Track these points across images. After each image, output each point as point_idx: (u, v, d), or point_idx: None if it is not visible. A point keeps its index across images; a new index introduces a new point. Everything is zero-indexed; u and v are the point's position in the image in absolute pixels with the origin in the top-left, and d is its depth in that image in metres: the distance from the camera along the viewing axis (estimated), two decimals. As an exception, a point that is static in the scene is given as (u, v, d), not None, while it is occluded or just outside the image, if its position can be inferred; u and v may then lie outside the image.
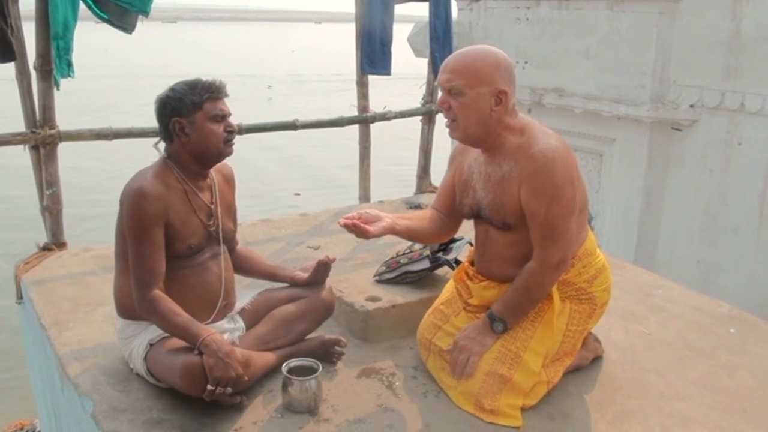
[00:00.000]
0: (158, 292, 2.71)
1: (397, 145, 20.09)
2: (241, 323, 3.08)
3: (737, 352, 3.46)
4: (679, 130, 7.10)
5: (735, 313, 3.89)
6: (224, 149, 2.90)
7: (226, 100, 2.92)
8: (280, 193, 18.60)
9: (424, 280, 3.65)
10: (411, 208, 5.44)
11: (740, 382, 3.17)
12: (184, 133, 2.83)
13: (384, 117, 5.99)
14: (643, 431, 2.76)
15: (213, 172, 3.02)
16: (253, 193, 16.79)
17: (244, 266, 3.23)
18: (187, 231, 2.84)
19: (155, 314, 2.70)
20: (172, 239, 2.80)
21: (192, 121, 2.82)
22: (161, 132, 2.91)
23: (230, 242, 3.14)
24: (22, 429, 7.69)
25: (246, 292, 3.21)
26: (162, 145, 2.96)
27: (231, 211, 3.13)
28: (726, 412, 2.93)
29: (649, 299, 4.01)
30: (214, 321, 2.94)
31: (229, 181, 3.14)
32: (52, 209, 4.44)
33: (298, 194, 18.19)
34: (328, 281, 3.25)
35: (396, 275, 3.64)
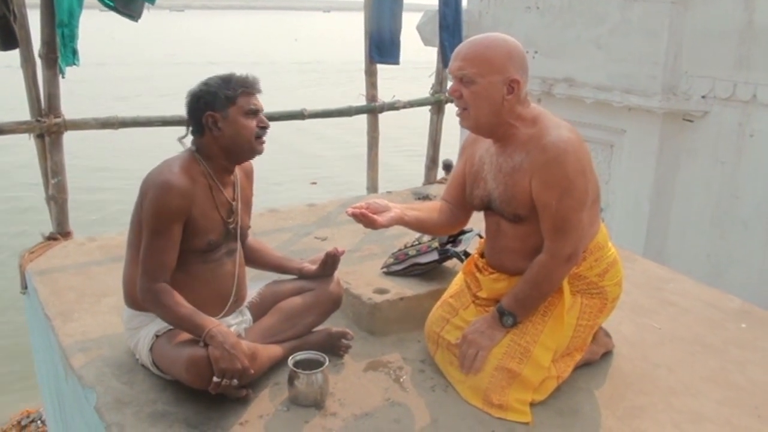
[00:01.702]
0: (163, 284, 2.69)
1: (405, 135, 20.09)
2: (247, 315, 3.06)
3: (748, 347, 3.44)
4: (691, 121, 7.05)
5: (746, 308, 3.87)
6: (256, 145, 2.87)
7: (258, 96, 2.91)
8: (294, 182, 18.65)
9: (432, 272, 3.62)
10: (419, 198, 5.41)
11: (751, 378, 3.15)
12: (217, 127, 2.81)
13: (392, 107, 5.96)
14: (654, 427, 2.73)
15: (235, 167, 3.00)
16: (268, 182, 16.85)
17: (253, 258, 3.20)
18: (208, 227, 2.82)
19: (159, 305, 2.67)
20: (191, 234, 2.77)
21: (225, 116, 2.80)
22: (192, 125, 2.89)
23: (244, 237, 3.12)
24: (27, 417, 7.72)
25: (253, 284, 3.18)
26: (187, 140, 2.93)
27: (248, 206, 3.11)
28: (737, 409, 2.90)
29: (660, 293, 3.98)
30: (224, 317, 2.91)
31: (249, 176, 3.12)
32: (57, 198, 4.42)
33: (315, 183, 18.17)
34: (336, 273, 3.23)
35: (404, 267, 3.61)
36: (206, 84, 2.85)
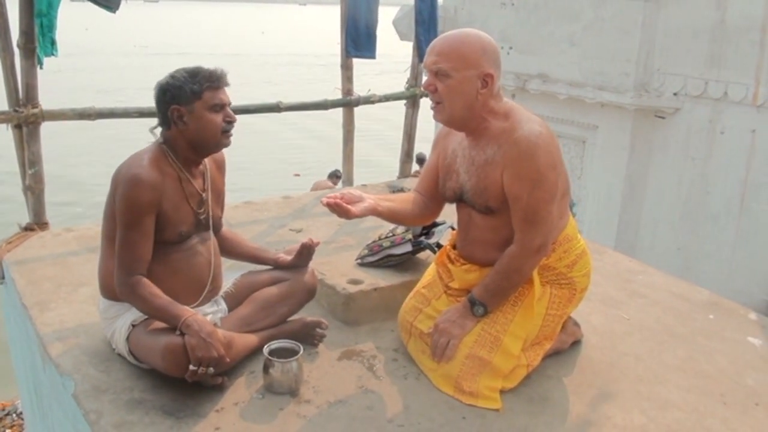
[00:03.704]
0: (139, 276, 2.71)
1: (381, 128, 20.12)
2: (223, 305, 3.08)
3: (715, 337, 3.50)
4: (662, 117, 7.14)
5: (714, 300, 3.93)
6: (222, 139, 2.88)
7: (226, 89, 2.90)
8: (276, 174, 18.63)
9: (405, 263, 3.66)
10: (394, 192, 5.44)
11: (718, 367, 3.21)
12: (182, 121, 2.81)
13: (368, 100, 5.98)
14: (622, 414, 2.78)
15: (206, 158, 3.02)
16: (250, 173, 16.83)
17: (227, 249, 3.22)
18: (178, 218, 2.84)
19: (135, 297, 2.70)
20: (162, 226, 2.79)
21: (191, 110, 2.80)
22: (159, 118, 2.89)
23: (217, 227, 3.14)
24: (3, 410, 7.67)
25: (228, 274, 3.21)
26: (158, 131, 2.94)
27: (220, 197, 3.12)
28: (704, 396, 2.96)
29: (629, 285, 4.04)
30: (200, 305, 2.93)
31: (220, 167, 3.13)
32: (34, 189, 4.41)
33: (298, 175, 18.11)
34: (311, 264, 3.26)
35: (378, 258, 3.65)
36: (172, 77, 2.84)
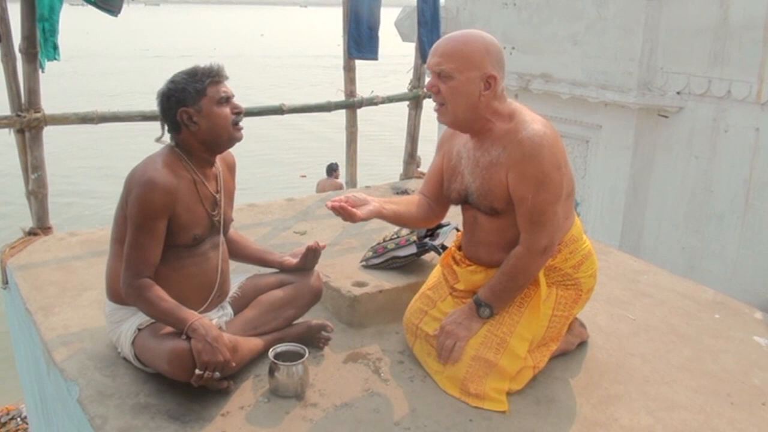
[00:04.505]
0: (146, 280, 2.70)
1: (384, 130, 20.12)
2: (228, 309, 3.07)
3: (721, 337, 3.49)
4: (666, 116, 7.13)
5: (719, 299, 3.92)
6: (233, 132, 2.88)
7: (226, 82, 2.90)
8: (282, 175, 18.65)
9: (410, 265, 3.66)
10: (398, 193, 5.44)
11: (724, 367, 3.20)
12: (192, 122, 2.80)
13: (371, 102, 5.97)
14: (628, 415, 2.77)
15: (217, 160, 3.00)
16: (255, 175, 16.82)
17: (234, 251, 3.21)
18: (192, 221, 2.83)
19: (142, 300, 2.69)
20: (176, 230, 2.78)
21: (199, 109, 2.79)
22: (168, 124, 2.88)
23: (226, 230, 3.14)
24: (7, 414, 7.68)
25: (234, 277, 3.20)
26: (165, 138, 2.93)
27: (231, 199, 3.12)
28: (710, 396, 2.95)
29: (635, 285, 4.03)
30: (207, 311, 2.93)
31: (231, 169, 3.13)
32: (37, 193, 4.41)
33: (304, 176, 18.09)
34: (316, 267, 3.25)
35: (383, 260, 3.64)
36: (173, 81, 2.83)
